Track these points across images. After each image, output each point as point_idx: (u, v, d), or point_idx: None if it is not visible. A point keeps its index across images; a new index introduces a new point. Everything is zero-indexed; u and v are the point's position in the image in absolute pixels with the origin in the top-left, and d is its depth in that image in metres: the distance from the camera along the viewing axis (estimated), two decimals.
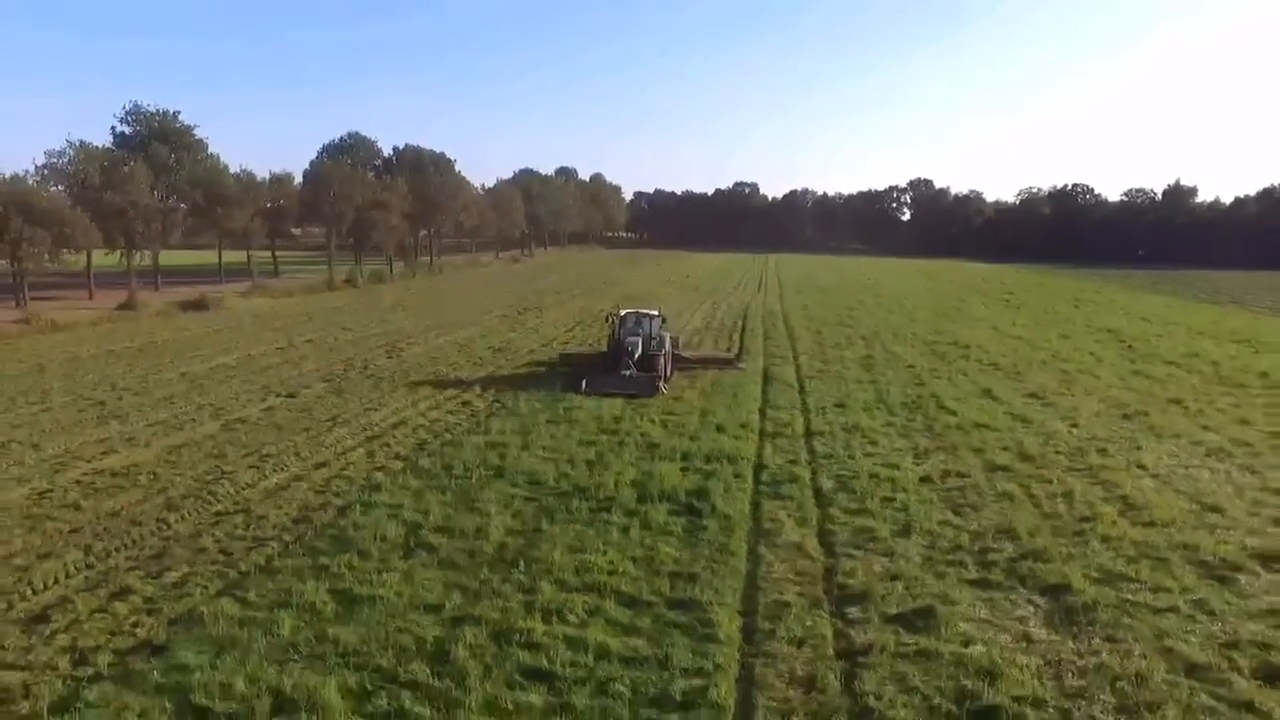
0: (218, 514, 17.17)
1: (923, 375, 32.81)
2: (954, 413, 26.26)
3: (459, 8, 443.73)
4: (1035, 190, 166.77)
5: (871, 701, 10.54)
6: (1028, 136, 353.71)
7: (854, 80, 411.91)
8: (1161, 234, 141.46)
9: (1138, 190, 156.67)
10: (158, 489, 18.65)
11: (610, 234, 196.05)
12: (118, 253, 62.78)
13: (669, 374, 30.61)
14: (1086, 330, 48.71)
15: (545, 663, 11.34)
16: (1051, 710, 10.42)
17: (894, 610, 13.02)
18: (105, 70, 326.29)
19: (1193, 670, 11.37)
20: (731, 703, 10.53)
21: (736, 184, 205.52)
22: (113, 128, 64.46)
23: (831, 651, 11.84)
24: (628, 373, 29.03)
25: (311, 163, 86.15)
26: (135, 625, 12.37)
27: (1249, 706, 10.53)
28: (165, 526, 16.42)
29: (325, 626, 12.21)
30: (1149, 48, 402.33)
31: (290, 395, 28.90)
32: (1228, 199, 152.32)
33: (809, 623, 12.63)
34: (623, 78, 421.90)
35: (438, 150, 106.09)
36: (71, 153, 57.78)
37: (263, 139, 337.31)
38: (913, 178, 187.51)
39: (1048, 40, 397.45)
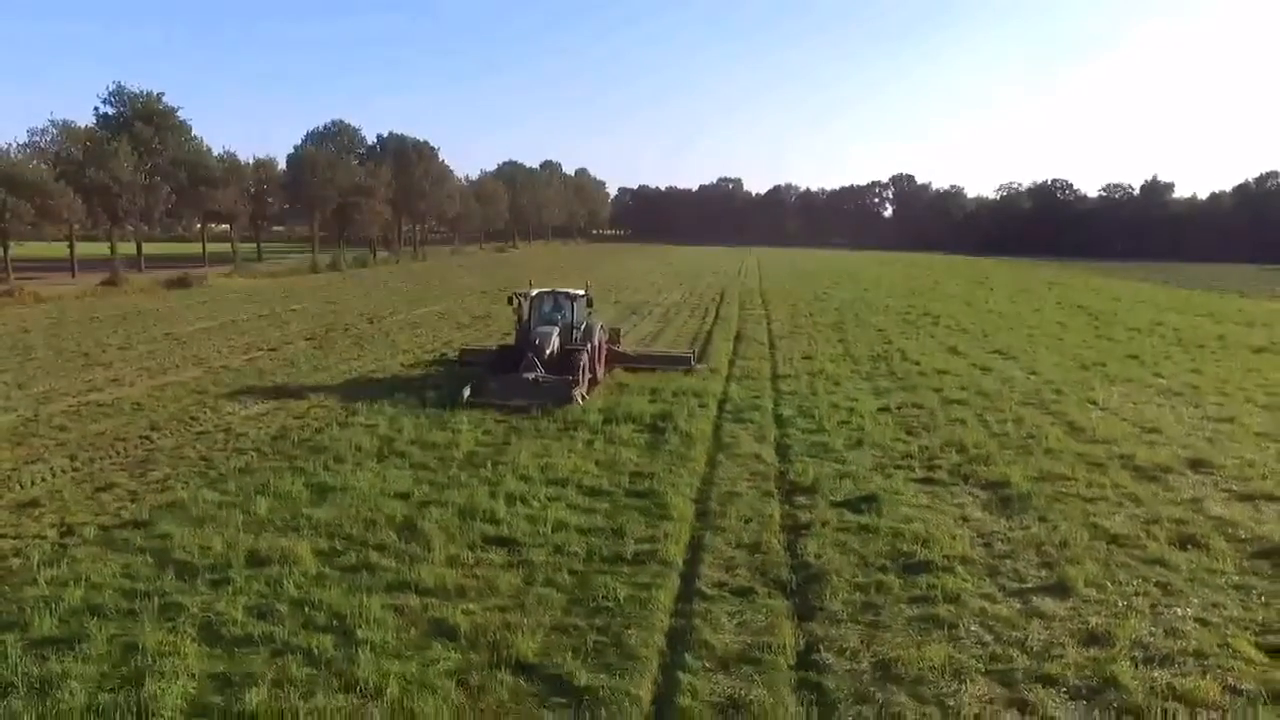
0: (199, 433, 17.78)
1: (891, 336, 33.72)
2: (917, 363, 27.13)
3: (447, 2, 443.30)
4: (1015, 186, 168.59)
5: (811, 559, 11.28)
6: (1008, 133, 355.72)
7: (838, 78, 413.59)
8: (1139, 228, 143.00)
9: (1116, 186, 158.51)
10: (142, 416, 19.23)
11: (595, 229, 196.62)
12: (106, 245, 63.03)
13: (597, 376, 22.95)
14: (1057, 306, 49.77)
15: (506, 532, 12.05)
16: (979, 565, 11.18)
17: (839, 498, 13.78)
18: (91, 59, 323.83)
19: (1114, 539, 12.17)
20: (680, 560, 11.25)
21: (720, 180, 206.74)
22: (96, 108, 64.77)
23: (777, 526, 12.59)
24: (533, 375, 20.59)
25: (295, 148, 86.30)
26: (120, 509, 12.99)
27: (1159, 561, 11.32)
28: (149, 442, 17.03)
29: (299, 508, 12.85)
30: (1129, 46, 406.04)
31: (273, 349, 29.52)
32: (1204, 194, 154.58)
33: (758, 507, 13.39)
34: (607, 75, 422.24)
35: (422, 139, 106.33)
36: (54, 131, 58.03)
37: (246, 128, 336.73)
38: (895, 173, 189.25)
39: (1029, 38, 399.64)
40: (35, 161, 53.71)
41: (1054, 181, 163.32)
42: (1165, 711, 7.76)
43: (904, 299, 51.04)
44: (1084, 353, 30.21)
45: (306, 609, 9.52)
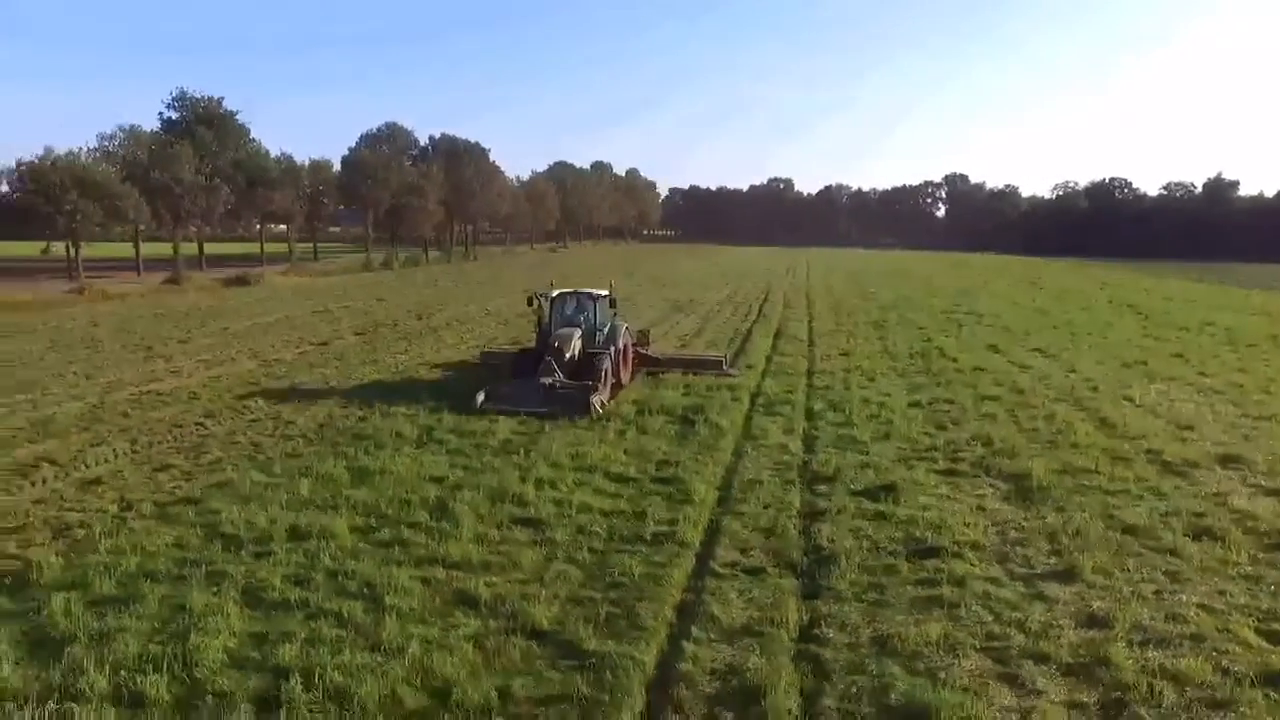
0: (250, 420, 18.66)
1: (932, 334, 33.66)
2: (955, 360, 27.15)
3: (499, 5, 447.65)
4: (1072, 185, 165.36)
5: (824, 543, 11.64)
6: (1064, 131, 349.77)
7: (890, 75, 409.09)
8: (1201, 228, 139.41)
9: (1177, 184, 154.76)
10: (198, 404, 20.22)
11: (645, 230, 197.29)
12: (170, 245, 65.40)
13: (622, 380, 21.84)
14: (1106, 305, 49.05)
15: (533, 513, 12.60)
16: (989, 551, 11.44)
17: (859, 487, 14.08)
18: (153, 67, 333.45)
19: (1129, 529, 12.30)
20: (697, 542, 11.70)
21: (771, 180, 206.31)
22: (160, 113, 67.12)
23: (795, 512, 12.95)
24: (550, 380, 19.56)
25: (350, 150, 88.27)
26: (174, 488, 13.83)
27: (1172, 551, 11.46)
28: (203, 428, 17.95)
29: (340, 489, 13.56)
30: (1191, 39, 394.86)
31: (324, 344, 30.57)
32: (1271, 193, 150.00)
33: (778, 494, 13.77)
34: (660, 74, 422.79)
35: (473, 140, 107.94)
36: (122, 136, 60.31)
37: (304, 131, 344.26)
38: (947, 173, 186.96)
39: (1087, 32, 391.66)
40: (104, 165, 55.88)
41: (1112, 180, 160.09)
42: (1152, 689, 8.00)
43: (950, 298, 50.71)
44: (1127, 351, 29.90)
45: (340, 578, 10.17)
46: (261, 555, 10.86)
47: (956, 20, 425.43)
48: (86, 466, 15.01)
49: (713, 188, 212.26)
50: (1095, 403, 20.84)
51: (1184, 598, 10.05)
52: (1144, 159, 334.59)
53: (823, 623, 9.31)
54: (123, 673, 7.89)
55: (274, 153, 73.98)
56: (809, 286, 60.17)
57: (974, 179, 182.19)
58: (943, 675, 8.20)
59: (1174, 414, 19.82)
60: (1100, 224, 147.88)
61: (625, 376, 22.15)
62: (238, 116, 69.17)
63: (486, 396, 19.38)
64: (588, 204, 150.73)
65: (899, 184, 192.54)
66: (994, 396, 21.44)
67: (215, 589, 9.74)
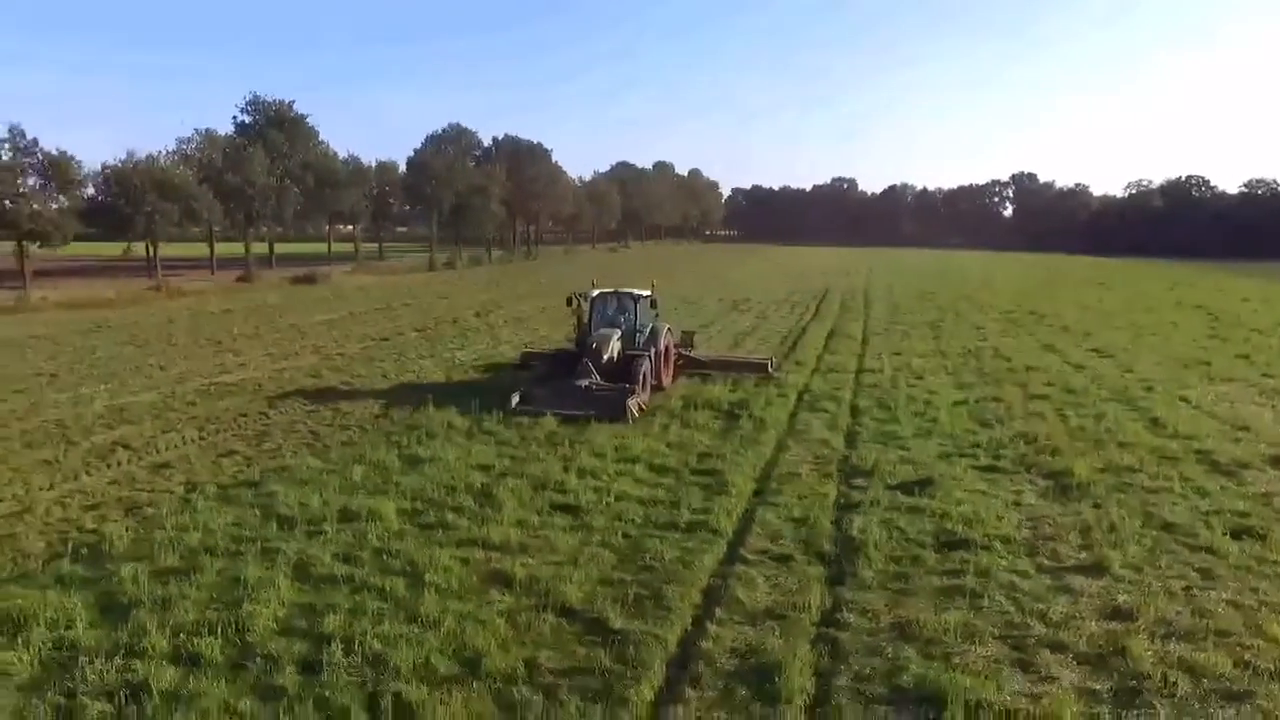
0: (310, 410, 19.48)
1: (988, 334, 33.33)
2: (1009, 360, 26.90)
3: (563, 8, 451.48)
4: (1145, 183, 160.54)
5: (854, 533, 11.83)
6: (1137, 128, 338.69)
7: (956, 72, 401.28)
8: None
9: (1259, 181, 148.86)
10: (262, 395, 21.15)
11: (707, 230, 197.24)
12: (242, 245, 67.93)
13: (664, 383, 21.51)
14: (1175, 306, 47.76)
15: (573, 500, 13.03)
16: (1019, 545, 11.51)
17: (896, 482, 14.21)
18: (231, 68, 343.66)
19: (1167, 527, 12.24)
20: (730, 530, 11.99)
21: (835, 179, 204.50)
22: (234, 117, 69.62)
23: (830, 504, 13.15)
24: (586, 382, 19.30)
25: (415, 151, 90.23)
26: (237, 472, 14.61)
27: (1209, 549, 11.38)
28: (266, 417, 18.81)
29: (390, 475, 14.18)
30: (1271, 33, 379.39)
31: (385, 339, 31.56)
32: None
33: (815, 486, 13.98)
34: (720, 74, 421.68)
35: (535, 141, 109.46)
36: (198, 139, 62.70)
37: (370, 132, 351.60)
38: (1015, 171, 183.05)
39: (1161, 22, 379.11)
40: (181, 168, 58.16)
41: (1188, 178, 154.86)
42: (1167, 679, 8.08)
43: (1011, 299, 49.91)
44: (1190, 352, 29.24)
45: (385, 557, 10.73)
46: (313, 534, 11.48)
47: (1023, 11, 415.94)
48: (157, 451, 15.92)
49: (775, 187, 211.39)
50: (1148, 402, 20.53)
51: (1214, 594, 10.02)
52: (1222, 156, 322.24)
53: (844, 608, 9.54)
54: (181, 635, 8.52)
55: (341, 154, 76.10)
56: (868, 286, 59.74)
57: (1042, 178, 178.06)
58: (957, 660, 8.38)
59: (1231, 414, 19.44)
60: (1176, 223, 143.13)
61: (666, 379, 21.85)
62: (308, 119, 71.30)
63: (521, 398, 19.03)
64: (649, 204, 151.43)
65: (964, 183, 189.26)
66: (1043, 395, 21.26)
67: (268, 564, 10.37)
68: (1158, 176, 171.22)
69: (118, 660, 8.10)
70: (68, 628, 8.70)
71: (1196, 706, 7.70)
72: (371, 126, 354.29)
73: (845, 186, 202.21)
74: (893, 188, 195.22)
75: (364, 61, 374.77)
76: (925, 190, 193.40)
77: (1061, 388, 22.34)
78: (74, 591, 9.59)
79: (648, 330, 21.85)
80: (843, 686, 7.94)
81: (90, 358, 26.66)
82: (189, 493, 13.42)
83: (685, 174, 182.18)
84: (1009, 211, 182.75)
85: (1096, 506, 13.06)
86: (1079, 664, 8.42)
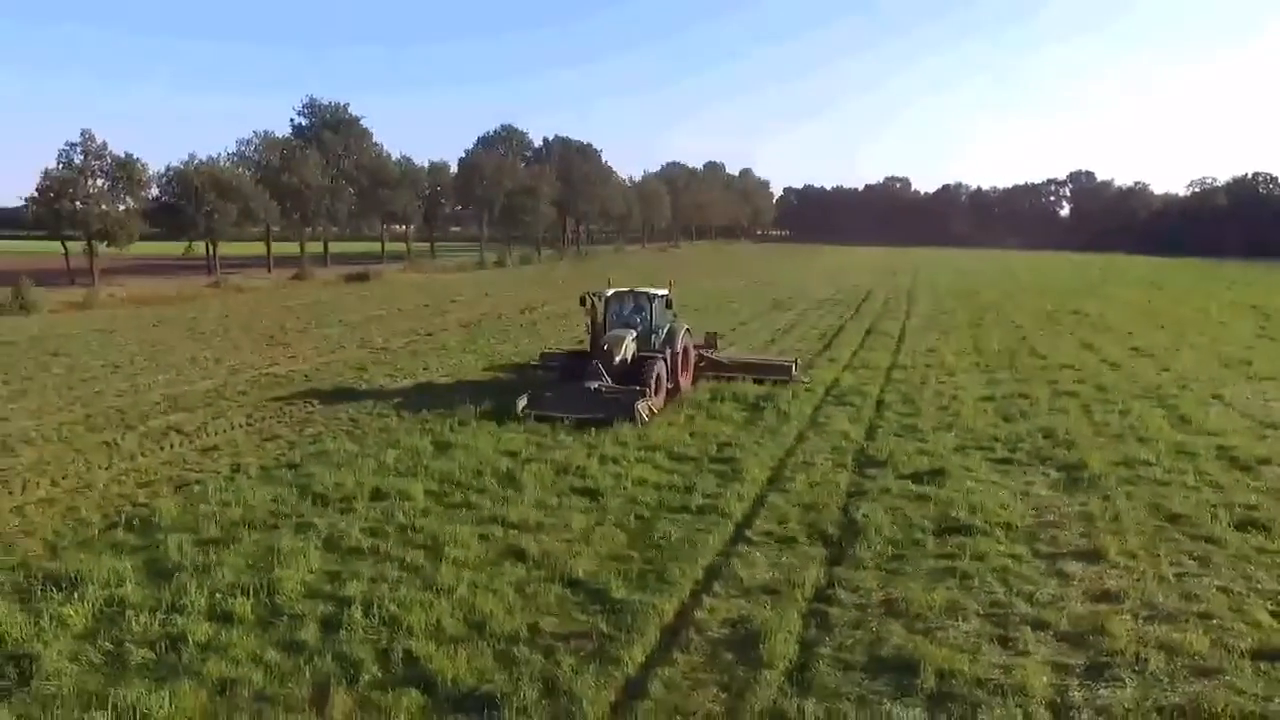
0: (352, 400, 20.39)
1: (1027, 333, 33.20)
2: (1044, 358, 26.88)
3: (616, 10, 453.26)
4: (1210, 181, 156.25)
5: (858, 518, 12.24)
6: (1200, 124, 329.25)
7: (1011, 69, 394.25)
8: None
9: None
10: (308, 385, 22.15)
11: (758, 230, 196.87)
12: (299, 244, 70.10)
13: (680, 386, 20.85)
14: (1228, 306, 46.86)
15: (592, 484, 13.64)
16: (1020, 532, 11.82)
17: (907, 472, 14.55)
18: (292, 72, 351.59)
19: (1172, 518, 12.42)
20: (739, 514, 12.47)
21: (888, 178, 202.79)
22: (291, 120, 71.72)
23: (840, 492, 13.56)
24: (596, 386, 18.64)
25: (467, 152, 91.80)
26: (279, 455, 15.50)
27: (1210, 539, 11.57)
28: (310, 406, 19.75)
29: (421, 459, 14.93)
30: None
31: (429, 334, 32.56)
32: None
33: (828, 475, 14.39)
34: (774, 73, 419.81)
35: (585, 141, 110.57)
36: (257, 141, 64.74)
37: (424, 133, 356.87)
38: (1073, 170, 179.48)
39: (1223, 15, 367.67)
40: (240, 169, 60.17)
41: (1255, 175, 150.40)
42: (1140, 656, 8.39)
43: (1058, 298, 49.38)
44: (1234, 351, 28.86)
45: (409, 532, 11.46)
46: (345, 511, 12.25)
47: (1081, 6, 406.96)
48: (207, 435, 16.92)
49: (828, 187, 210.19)
50: (1178, 400, 20.47)
51: (1207, 581, 10.25)
52: None
53: (837, 585, 10.00)
54: (217, 595, 9.32)
55: (394, 155, 77.80)
56: (914, 286, 59.49)
57: (1100, 176, 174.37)
58: (939, 635, 8.79)
59: (1264, 413, 19.32)
60: (1242, 221, 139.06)
61: (685, 382, 21.32)
62: (361, 121, 73.11)
63: (530, 401, 18.45)
64: (700, 203, 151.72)
65: (1020, 182, 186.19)
66: (1072, 392, 21.32)
67: (301, 536, 11.15)
68: (1223, 174, 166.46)
69: (160, 615, 8.91)
70: (118, 586, 9.55)
71: (1164, 681, 8.01)
72: (424, 128, 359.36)
73: (898, 186, 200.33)
74: (946, 187, 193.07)
75: (415, 63, 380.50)
76: (979, 189, 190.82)
77: (1092, 385, 22.35)
78: (125, 556, 10.47)
79: (664, 331, 21.15)
80: (825, 655, 8.41)
81: (151, 350, 28.03)
82: (233, 472, 14.32)
83: (736, 174, 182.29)
84: (1066, 211, 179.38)
85: (1105, 498, 13.26)
86: (1057, 641, 8.77)
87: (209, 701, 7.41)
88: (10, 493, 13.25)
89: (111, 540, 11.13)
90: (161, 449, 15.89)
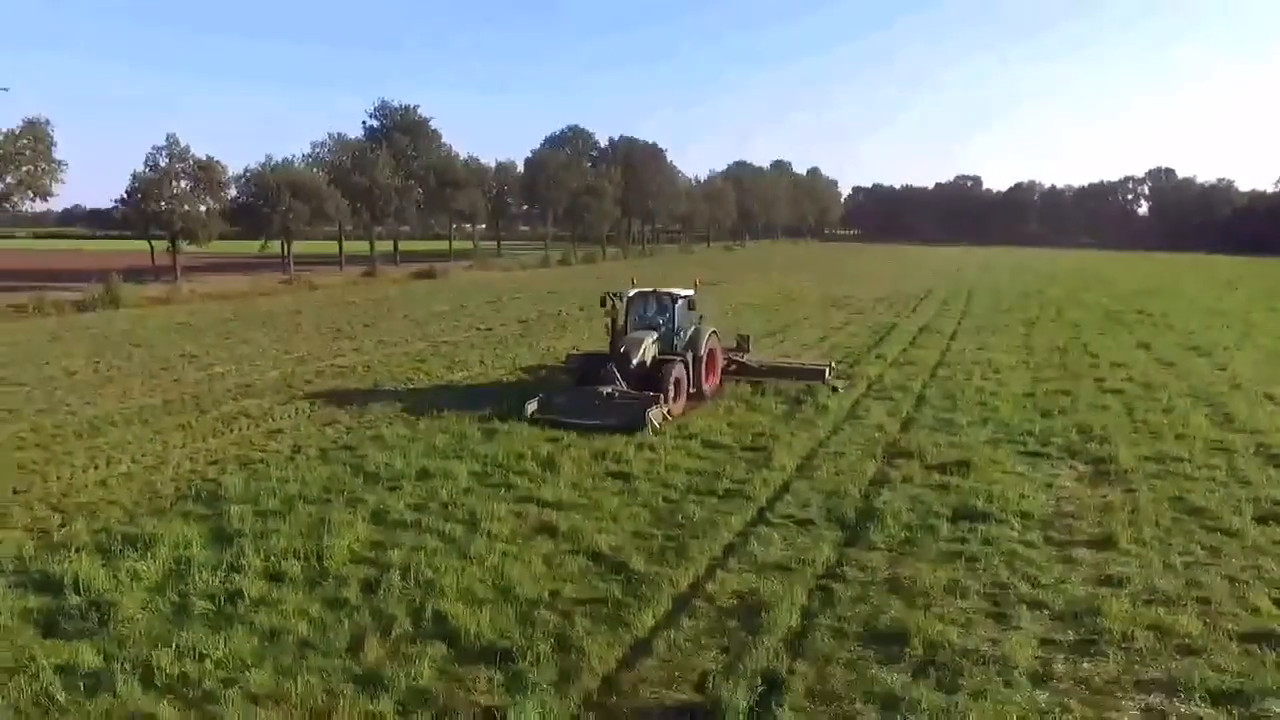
0: (412, 390, 21.44)
1: (1083, 332, 32.86)
2: (1095, 356, 26.71)
3: (691, 12, 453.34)
4: None
5: (877, 504, 12.70)
6: None
7: (1090, 63, 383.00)
8: None
9: None
10: (370, 376, 23.32)
11: (826, 229, 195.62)
12: (371, 243, 72.52)
13: (704, 390, 20.08)
14: None
15: (626, 469, 14.35)
16: (1035, 520, 12.13)
17: (935, 462, 14.92)
18: (365, 77, 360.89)
19: (1193, 511, 12.59)
20: (763, 498, 13.04)
21: (958, 177, 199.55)
22: (363, 121, 74.07)
23: (865, 480, 14.02)
24: (609, 390, 17.80)
25: (533, 152, 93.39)
26: (337, 439, 16.53)
27: (1227, 531, 11.73)
28: (370, 395, 20.85)
29: (468, 443, 15.83)
30: None
31: (489, 329, 33.65)
32: None
33: (856, 464, 14.85)
34: (843, 72, 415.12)
35: (650, 141, 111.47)
36: (331, 143, 67.07)
37: (492, 133, 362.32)
38: (1151, 167, 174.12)
39: None
40: (314, 170, 62.45)
41: None
42: (1129, 635, 8.74)
43: (1124, 298, 48.46)
44: None
45: (450, 508, 12.30)
46: (393, 489, 13.15)
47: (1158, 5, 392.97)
48: (273, 420, 18.08)
49: (897, 186, 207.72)
50: (1227, 399, 20.31)
51: (1214, 569, 10.48)
52: None
53: (847, 565, 10.52)
54: (272, 558, 10.29)
55: (462, 155, 79.70)
56: (976, 285, 58.83)
57: (1181, 173, 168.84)
58: (936, 610, 9.26)
59: None
60: None
61: (710, 386, 20.51)
62: (431, 122, 75.08)
63: (540, 405, 17.87)
64: (765, 202, 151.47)
65: (1096, 180, 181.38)
66: (1117, 390, 21.29)
67: (351, 510, 12.09)
68: None
69: (221, 573, 9.89)
70: (186, 548, 10.58)
71: (1146, 657, 8.37)
72: (500, 129, 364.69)
73: (969, 184, 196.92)
74: (1019, 185, 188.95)
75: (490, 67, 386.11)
76: (1053, 188, 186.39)
77: (1140, 383, 22.24)
78: (193, 523, 11.53)
79: (688, 333, 20.32)
80: (823, 625, 8.96)
81: (225, 342, 29.65)
82: (294, 453, 15.40)
83: (804, 173, 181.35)
84: (1144, 209, 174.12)
85: (1128, 490, 13.48)
86: (1052, 619, 9.16)
87: (259, 646, 8.31)
88: (96, 467, 14.52)
89: (182, 509, 12.23)
90: (230, 431, 17.08)
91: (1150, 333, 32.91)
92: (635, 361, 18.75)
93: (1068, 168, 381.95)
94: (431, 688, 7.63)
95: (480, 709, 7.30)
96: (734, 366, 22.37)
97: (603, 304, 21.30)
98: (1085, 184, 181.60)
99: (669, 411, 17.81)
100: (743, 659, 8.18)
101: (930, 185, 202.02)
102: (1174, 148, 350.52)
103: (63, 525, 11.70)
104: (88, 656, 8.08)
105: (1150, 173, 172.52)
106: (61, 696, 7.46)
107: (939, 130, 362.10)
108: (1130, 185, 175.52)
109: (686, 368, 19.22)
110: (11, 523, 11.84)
